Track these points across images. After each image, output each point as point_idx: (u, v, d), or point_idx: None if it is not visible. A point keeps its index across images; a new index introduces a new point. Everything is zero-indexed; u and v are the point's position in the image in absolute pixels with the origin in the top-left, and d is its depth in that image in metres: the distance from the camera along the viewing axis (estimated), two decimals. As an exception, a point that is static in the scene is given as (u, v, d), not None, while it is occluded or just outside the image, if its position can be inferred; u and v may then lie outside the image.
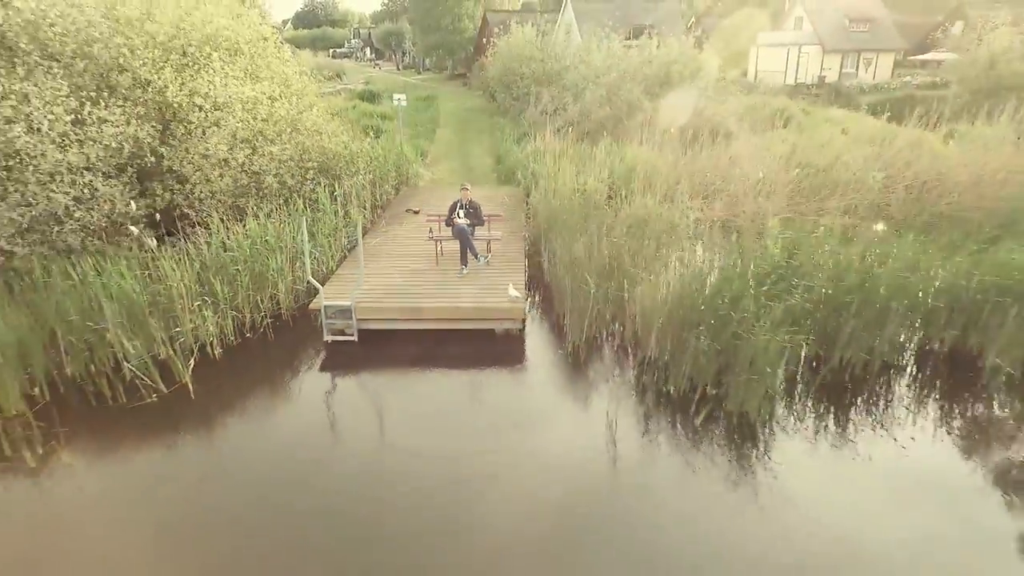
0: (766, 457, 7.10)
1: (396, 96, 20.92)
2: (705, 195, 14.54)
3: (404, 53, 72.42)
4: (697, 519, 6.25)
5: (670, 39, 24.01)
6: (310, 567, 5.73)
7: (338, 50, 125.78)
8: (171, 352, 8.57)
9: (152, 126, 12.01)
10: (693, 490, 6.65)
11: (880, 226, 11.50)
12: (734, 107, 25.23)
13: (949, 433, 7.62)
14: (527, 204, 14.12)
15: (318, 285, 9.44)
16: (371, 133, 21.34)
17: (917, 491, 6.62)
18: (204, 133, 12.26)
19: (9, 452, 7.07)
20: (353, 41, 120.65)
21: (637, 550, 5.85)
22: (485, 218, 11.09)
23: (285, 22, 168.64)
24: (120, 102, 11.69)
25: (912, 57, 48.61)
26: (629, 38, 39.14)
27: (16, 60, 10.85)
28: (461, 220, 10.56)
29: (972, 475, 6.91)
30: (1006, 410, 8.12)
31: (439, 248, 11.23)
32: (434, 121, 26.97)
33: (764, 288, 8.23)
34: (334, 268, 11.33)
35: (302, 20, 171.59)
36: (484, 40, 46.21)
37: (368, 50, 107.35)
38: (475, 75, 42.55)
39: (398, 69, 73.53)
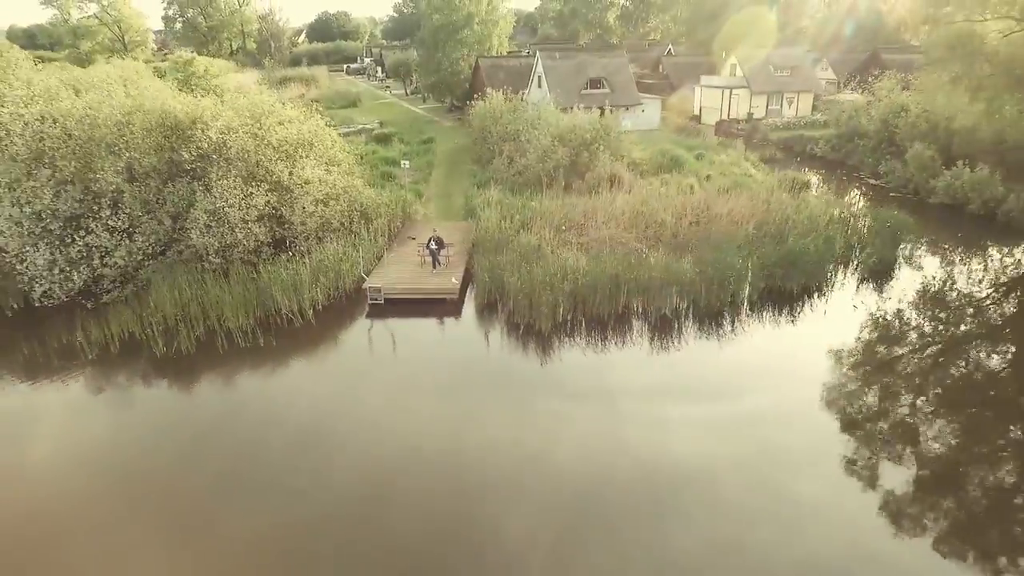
0: (550, 348, 17.94)
1: (403, 162, 32.07)
2: (580, 227, 25.28)
3: (411, 81, 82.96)
4: (516, 372, 17.16)
5: (595, 110, 34.56)
6: (364, 397, 16.74)
7: (351, 66, 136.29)
8: (303, 306, 19.58)
9: (274, 194, 22.95)
10: (517, 363, 17.53)
11: (644, 246, 22.29)
12: (638, 155, 35.92)
13: (635, 342, 18.39)
14: (474, 233, 24.88)
15: (365, 276, 20.45)
16: (386, 179, 32.44)
17: (616, 370, 17.45)
18: (300, 197, 23.24)
19: (252, 341, 18.13)
20: (367, 60, 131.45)
21: (502, 392, 16.79)
22: (446, 245, 22.03)
23: (299, 31, 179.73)
24: (259, 183, 22.68)
25: (826, 98, 58.83)
26: (587, 88, 50.07)
27: (212, 165, 21.95)
28: (433, 246, 21.52)
29: (640, 369, 17.65)
30: (659, 335, 18.85)
31: (423, 259, 22.17)
32: (431, 165, 37.84)
33: (560, 275, 19.09)
34: (372, 268, 22.23)
35: (317, 32, 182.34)
36: (477, 82, 57.06)
37: (380, 70, 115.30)
38: (467, 114, 53.12)
39: (406, 94, 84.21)
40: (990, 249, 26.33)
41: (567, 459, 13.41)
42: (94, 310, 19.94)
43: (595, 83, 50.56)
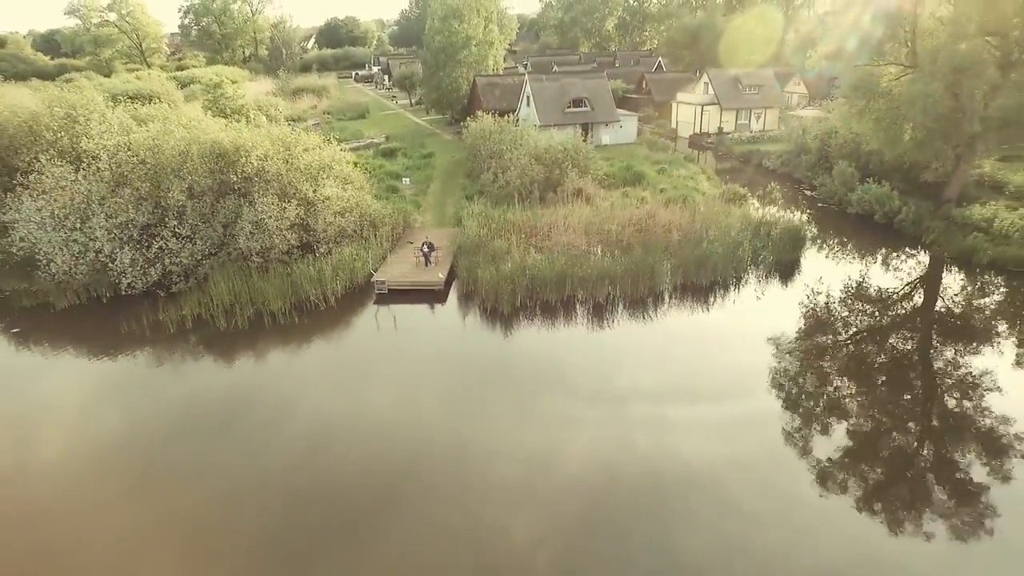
0: (510, 325, 24.10)
1: (404, 179, 38.25)
2: (545, 234, 31.35)
3: (416, 92, 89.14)
4: (483, 342, 23.37)
5: (568, 129, 40.49)
6: (372, 355, 23.02)
7: (360, 73, 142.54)
8: (326, 294, 25.83)
9: (301, 208, 29.18)
10: (485, 336, 23.72)
11: (599, 248, 28.38)
12: (605, 170, 41.91)
13: (576, 321, 24.50)
14: (460, 238, 30.97)
15: (373, 272, 26.72)
16: (390, 191, 38.68)
17: (559, 342, 23.63)
18: (322, 210, 29.47)
19: (290, 319, 24.43)
20: (375, 69, 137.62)
21: (473, 354, 23.03)
22: (436, 248, 28.23)
23: (308, 36, 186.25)
24: (290, 199, 28.91)
25: (785, 113, 64.56)
26: (570, 107, 56.11)
27: (253, 185, 28.23)
28: (426, 249, 27.73)
29: (578, 340, 23.79)
30: (594, 316, 24.93)
31: (418, 259, 28.36)
32: (430, 178, 44.02)
33: (520, 271, 25.23)
34: (378, 266, 28.41)
35: (326, 38, 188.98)
36: (474, 98, 63.22)
37: (387, 78, 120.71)
38: (464, 129, 59.19)
39: (411, 104, 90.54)
40: (881, 250, 32.24)
41: (509, 391, 19.58)
42: (166, 297, 26.23)
43: (577, 102, 56.54)
